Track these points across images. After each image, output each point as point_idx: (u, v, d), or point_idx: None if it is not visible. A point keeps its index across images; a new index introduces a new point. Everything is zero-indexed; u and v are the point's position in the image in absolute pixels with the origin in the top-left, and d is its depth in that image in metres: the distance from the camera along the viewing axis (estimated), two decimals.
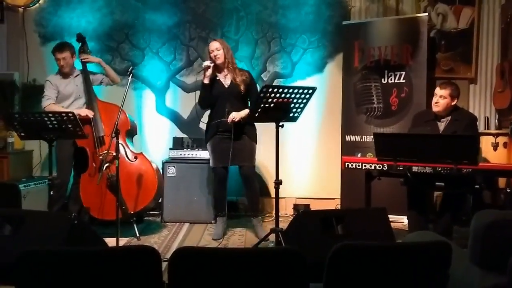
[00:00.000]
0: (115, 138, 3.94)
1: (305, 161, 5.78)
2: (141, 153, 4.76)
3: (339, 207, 5.41)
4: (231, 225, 4.97)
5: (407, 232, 4.37)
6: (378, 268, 1.91)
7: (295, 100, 3.64)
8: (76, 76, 4.79)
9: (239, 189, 5.27)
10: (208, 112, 4.75)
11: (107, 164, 4.41)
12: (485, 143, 4.89)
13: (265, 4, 5.72)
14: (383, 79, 5.28)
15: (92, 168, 4.62)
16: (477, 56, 5.55)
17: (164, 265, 2.00)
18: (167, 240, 4.56)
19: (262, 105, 3.61)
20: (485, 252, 2.02)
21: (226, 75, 4.56)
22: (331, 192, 5.61)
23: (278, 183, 3.80)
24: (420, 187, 4.06)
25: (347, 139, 5.45)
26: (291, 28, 5.72)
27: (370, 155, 4.56)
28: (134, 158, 4.67)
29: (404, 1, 5.66)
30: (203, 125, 5.72)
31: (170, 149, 5.40)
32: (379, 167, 4.03)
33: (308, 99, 3.69)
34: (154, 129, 5.81)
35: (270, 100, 3.58)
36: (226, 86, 4.54)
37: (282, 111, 3.67)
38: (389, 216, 3.22)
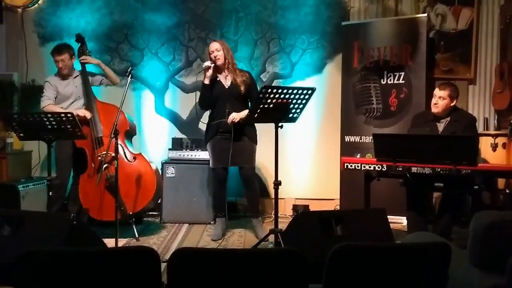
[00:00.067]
0: (114, 138, 3.94)
1: (304, 162, 5.78)
2: (140, 153, 4.76)
3: (338, 208, 5.40)
4: (230, 225, 4.97)
5: (407, 233, 4.38)
6: (377, 269, 1.91)
7: (294, 101, 3.64)
8: (75, 77, 4.79)
9: (238, 190, 5.27)
10: (207, 112, 4.75)
11: (106, 165, 4.41)
12: (484, 144, 4.89)
13: (265, 4, 5.72)
14: (382, 80, 5.29)
15: (91, 168, 4.61)
16: (476, 56, 5.55)
17: (163, 265, 2.01)
18: (166, 241, 4.55)
19: (261, 106, 3.61)
20: (484, 253, 2.02)
21: (227, 75, 4.55)
22: (331, 193, 5.61)
23: (277, 184, 3.81)
24: (420, 187, 4.07)
25: (346, 140, 5.45)
26: (290, 28, 5.72)
27: (369, 155, 4.56)
28: (133, 158, 4.67)
29: (403, 1, 5.66)
30: (202, 126, 5.71)
31: (169, 149, 5.40)
32: (379, 167, 4.04)
33: (307, 100, 3.69)
34: (153, 130, 5.80)
35: (269, 100, 3.58)
36: (227, 87, 4.53)
37: (282, 111, 3.67)
38: (388, 216, 3.23)
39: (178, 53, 5.80)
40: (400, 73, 5.19)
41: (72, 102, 4.76)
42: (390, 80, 5.24)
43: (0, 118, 5.05)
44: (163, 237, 4.70)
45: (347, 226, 3.06)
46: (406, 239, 3.26)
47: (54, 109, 4.54)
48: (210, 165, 4.70)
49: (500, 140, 4.84)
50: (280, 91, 3.57)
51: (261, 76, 5.73)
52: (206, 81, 4.47)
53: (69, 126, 3.70)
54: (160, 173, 5.03)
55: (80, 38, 4.78)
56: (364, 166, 4.12)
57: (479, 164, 3.82)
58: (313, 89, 3.67)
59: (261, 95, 3.57)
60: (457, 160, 3.74)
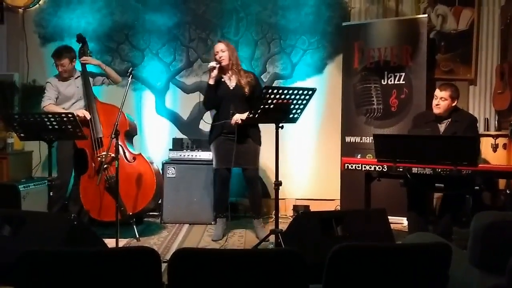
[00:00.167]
0: (114, 139, 3.94)
1: (304, 162, 5.78)
2: (140, 154, 4.75)
3: (339, 208, 5.40)
4: (231, 226, 4.96)
5: (407, 233, 4.38)
6: (377, 269, 1.91)
7: (295, 101, 3.64)
8: (76, 77, 4.80)
9: (239, 191, 5.28)
10: (208, 112, 4.75)
11: (105, 166, 4.41)
12: (485, 144, 4.89)
13: (265, 5, 5.72)
14: (382, 80, 5.29)
15: (91, 169, 4.62)
16: (477, 57, 5.55)
17: (164, 266, 2.01)
18: (166, 241, 4.56)
19: (262, 106, 3.61)
20: (484, 253, 2.02)
21: (231, 76, 4.55)
22: (331, 193, 5.61)
23: (278, 184, 3.80)
24: (420, 188, 4.07)
25: (346, 140, 5.45)
26: (291, 29, 5.72)
27: (370, 156, 4.56)
28: (133, 159, 4.67)
29: (404, 2, 5.66)
30: (202, 126, 5.77)
31: (170, 150, 5.40)
32: (379, 168, 4.03)
33: (308, 100, 3.69)
34: (154, 130, 5.81)
35: (270, 101, 3.58)
36: (231, 88, 4.53)
37: (282, 112, 3.67)
38: (388, 217, 3.23)
39: (179, 53, 5.80)
40: (401, 74, 5.19)
41: (74, 103, 4.76)
42: (391, 81, 5.25)
43: (1, 118, 5.05)
44: (164, 237, 4.70)
45: (347, 227, 3.06)
46: (406, 239, 3.26)
47: (54, 109, 4.54)
48: (214, 166, 4.70)
49: (501, 141, 4.84)
50: (280, 91, 3.57)
51: (262, 76, 5.73)
52: (211, 82, 4.47)
53: (69, 127, 3.70)
54: (161, 173, 5.03)
55: (81, 39, 4.79)
56: (365, 167, 4.12)
57: (479, 165, 3.81)
58: (313, 90, 3.67)
59: (261, 96, 3.57)
60: (457, 161, 3.74)
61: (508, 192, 4.35)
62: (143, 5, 5.74)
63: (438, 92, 4.25)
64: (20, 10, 5.73)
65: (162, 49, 5.78)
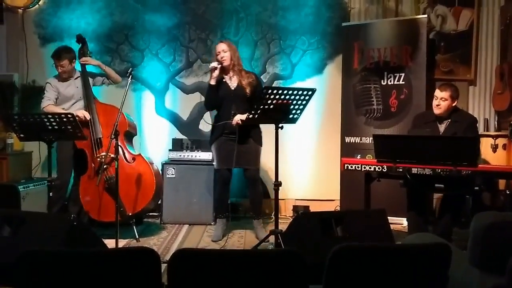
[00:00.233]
0: (114, 139, 3.94)
1: (304, 163, 5.78)
2: (139, 154, 4.75)
3: (339, 209, 5.40)
4: (230, 226, 4.96)
5: (407, 234, 4.37)
6: (377, 270, 1.91)
7: (294, 102, 3.64)
8: (76, 78, 4.79)
9: (238, 191, 5.28)
10: (208, 112, 4.74)
11: (105, 166, 4.41)
12: (485, 144, 4.89)
13: (265, 5, 5.72)
14: (382, 81, 5.29)
15: (91, 170, 4.61)
16: (477, 57, 5.56)
17: (164, 266, 2.00)
18: (166, 242, 4.55)
19: (261, 107, 3.61)
20: (484, 254, 2.02)
21: (233, 77, 4.54)
22: (331, 194, 5.61)
23: (277, 184, 3.80)
24: (420, 188, 4.07)
25: (346, 141, 5.45)
26: (291, 29, 5.72)
27: (369, 156, 4.55)
28: (132, 159, 4.66)
29: (404, 2, 5.67)
30: (202, 126, 5.77)
31: (170, 150, 5.40)
32: (379, 168, 4.04)
33: (307, 101, 3.69)
34: (154, 131, 5.80)
35: (269, 101, 3.58)
36: (232, 88, 4.53)
37: (282, 112, 3.67)
38: (388, 217, 3.23)
39: (179, 54, 5.80)
40: (400, 74, 5.19)
41: (74, 103, 4.75)
42: (390, 81, 5.25)
43: (1, 119, 5.05)
44: (163, 238, 4.70)
45: (347, 227, 3.06)
46: (406, 240, 3.26)
47: (54, 109, 4.54)
48: (215, 166, 4.69)
49: (500, 141, 4.84)
50: (280, 92, 3.57)
51: (262, 77, 5.72)
52: (212, 82, 4.47)
53: (69, 127, 3.70)
54: (161, 173, 5.03)
55: (81, 39, 4.78)
56: (364, 167, 4.12)
57: (479, 165, 3.81)
58: (313, 90, 3.66)
59: (261, 96, 3.57)
60: (457, 161, 3.74)
61: (508, 192, 4.35)
62: (143, 5, 5.73)
63: (438, 93, 4.24)
64: (20, 10, 5.72)
65: (161, 49, 5.78)
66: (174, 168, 5.24)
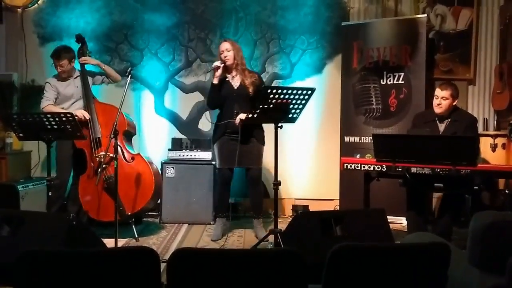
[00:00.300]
0: (113, 138, 3.94)
1: (304, 162, 5.78)
2: (138, 153, 4.75)
3: (338, 208, 5.41)
4: (230, 226, 4.96)
5: (406, 233, 4.38)
6: (377, 269, 1.91)
7: (294, 101, 3.64)
8: (76, 77, 4.79)
9: (238, 191, 5.28)
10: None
11: (104, 166, 4.41)
12: (484, 144, 4.90)
13: (264, 5, 5.72)
14: (382, 80, 5.29)
15: (90, 169, 4.61)
16: (476, 57, 5.56)
17: (163, 266, 2.00)
18: (165, 241, 4.55)
19: (261, 106, 3.61)
20: (484, 253, 2.02)
21: (236, 76, 4.53)
22: (330, 193, 5.61)
23: (277, 184, 3.80)
24: (419, 188, 4.07)
25: (346, 140, 5.46)
26: (290, 29, 5.72)
27: (369, 156, 4.55)
28: (131, 159, 4.66)
29: (403, 2, 5.67)
30: (201, 126, 5.77)
31: (169, 150, 5.40)
32: (378, 168, 4.04)
33: (307, 100, 3.69)
34: (153, 130, 5.80)
35: (269, 101, 3.57)
36: (235, 88, 4.51)
37: (281, 112, 3.66)
38: (388, 217, 3.23)
39: (178, 53, 5.80)
40: (400, 74, 5.20)
41: (73, 103, 4.75)
42: (390, 81, 5.25)
43: (0, 118, 5.04)
44: (163, 237, 4.70)
45: (346, 227, 3.06)
46: (405, 239, 3.26)
47: (53, 110, 4.53)
48: (217, 165, 4.68)
49: (500, 141, 4.85)
50: (279, 91, 3.57)
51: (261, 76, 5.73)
52: (215, 81, 4.46)
53: (68, 127, 3.69)
54: (160, 173, 5.03)
55: (80, 39, 4.78)
56: (364, 167, 4.12)
57: (478, 165, 3.82)
58: (312, 90, 3.66)
59: (261, 95, 3.57)
60: (456, 161, 3.74)
61: (507, 192, 4.35)
62: (142, 5, 5.73)
63: (439, 92, 4.23)
64: (19, 10, 5.72)
65: (161, 49, 5.78)
66: (173, 168, 5.24)
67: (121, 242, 4.27)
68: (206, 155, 5.26)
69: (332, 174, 5.53)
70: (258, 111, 3.65)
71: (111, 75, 4.86)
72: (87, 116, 4.60)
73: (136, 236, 4.51)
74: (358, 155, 4.51)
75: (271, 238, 3.92)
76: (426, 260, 1.94)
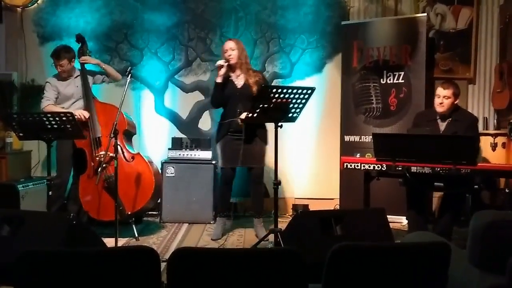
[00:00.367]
0: (113, 138, 3.94)
1: (304, 162, 5.78)
2: (138, 153, 4.75)
3: (338, 208, 5.41)
4: (230, 225, 4.96)
5: (406, 233, 4.38)
6: (377, 269, 1.91)
7: (294, 101, 3.63)
8: (76, 77, 4.79)
9: (238, 190, 5.27)
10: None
11: (104, 165, 4.41)
12: (484, 143, 4.90)
13: (264, 4, 5.72)
14: (382, 80, 5.29)
15: (90, 169, 4.61)
16: (476, 56, 5.56)
17: (163, 265, 2.00)
18: (166, 241, 4.55)
19: (261, 105, 3.61)
20: (484, 253, 2.02)
21: (239, 75, 4.53)
22: (330, 193, 5.61)
23: (277, 183, 3.80)
24: (419, 187, 4.07)
25: (346, 140, 5.46)
26: (290, 28, 5.72)
27: (369, 155, 4.56)
28: (131, 158, 4.66)
29: (403, 1, 5.67)
30: (201, 125, 5.78)
31: (169, 149, 5.40)
32: (378, 167, 4.03)
33: (307, 100, 3.68)
34: (153, 130, 5.80)
35: (269, 100, 3.57)
36: (239, 87, 4.51)
37: (281, 111, 3.66)
38: (388, 216, 3.22)
39: (178, 52, 5.80)
40: (400, 73, 5.20)
41: (74, 102, 4.75)
42: (390, 80, 5.25)
43: (0, 118, 5.04)
44: (163, 236, 4.70)
45: (346, 226, 3.06)
46: (405, 238, 3.27)
47: (53, 109, 4.53)
48: (220, 165, 4.68)
49: (500, 140, 4.85)
50: (279, 90, 3.57)
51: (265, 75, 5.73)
52: (219, 80, 4.45)
53: (68, 126, 3.69)
54: (160, 172, 5.03)
55: (80, 38, 4.78)
56: (364, 166, 4.12)
57: (478, 164, 3.82)
58: (312, 89, 3.66)
59: (261, 95, 3.57)
60: (456, 160, 3.74)
61: (507, 191, 4.34)
62: (142, 4, 5.73)
63: (441, 91, 4.22)
64: (19, 9, 5.72)
65: (161, 48, 5.78)
66: (173, 167, 5.24)
67: (121, 242, 4.27)
68: (206, 154, 5.27)
69: (332, 174, 5.53)
70: (258, 110, 3.65)
71: (112, 74, 4.86)
72: (87, 115, 4.59)
73: (136, 235, 4.51)
74: (358, 154, 4.51)
75: (271, 237, 3.92)
76: (426, 259, 1.94)
